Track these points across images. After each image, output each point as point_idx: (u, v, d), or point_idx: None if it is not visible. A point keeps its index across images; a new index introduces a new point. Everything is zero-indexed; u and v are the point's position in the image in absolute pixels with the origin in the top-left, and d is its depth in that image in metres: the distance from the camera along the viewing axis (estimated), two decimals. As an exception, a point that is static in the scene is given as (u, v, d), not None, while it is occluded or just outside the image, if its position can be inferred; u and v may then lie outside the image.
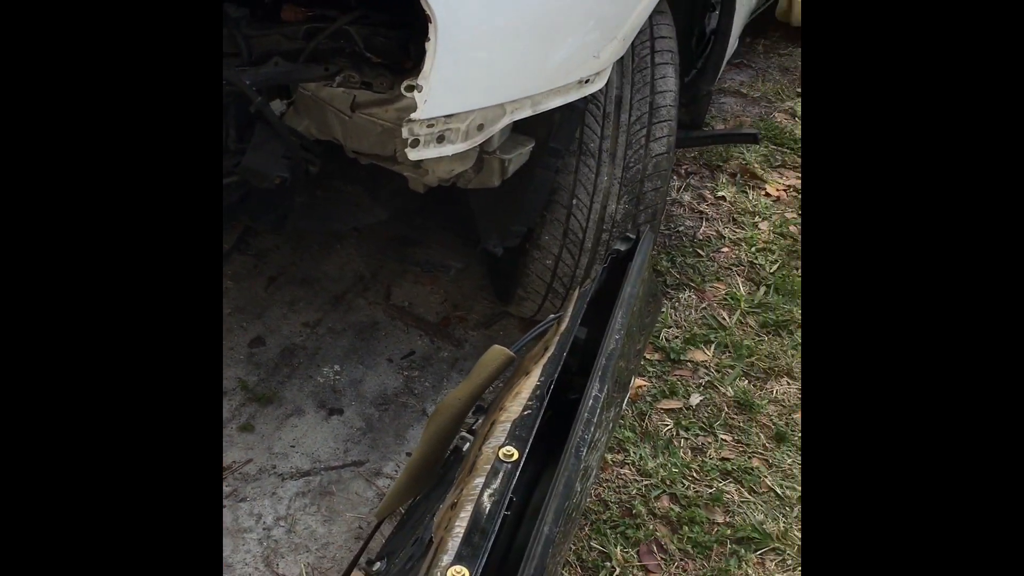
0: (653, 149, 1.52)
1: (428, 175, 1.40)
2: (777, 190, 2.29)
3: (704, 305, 1.88)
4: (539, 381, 0.93)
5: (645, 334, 1.33)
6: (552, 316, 1.13)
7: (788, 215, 2.19)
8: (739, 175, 2.32)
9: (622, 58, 1.51)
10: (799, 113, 2.66)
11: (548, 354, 0.98)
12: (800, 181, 2.33)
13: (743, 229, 2.13)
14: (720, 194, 2.24)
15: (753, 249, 2.05)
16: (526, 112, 1.27)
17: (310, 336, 1.72)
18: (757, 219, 2.16)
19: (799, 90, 2.79)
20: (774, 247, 2.06)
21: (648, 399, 1.63)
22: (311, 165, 1.46)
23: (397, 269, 1.91)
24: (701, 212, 2.18)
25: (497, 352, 1.06)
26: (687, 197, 2.22)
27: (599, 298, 1.10)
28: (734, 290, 1.91)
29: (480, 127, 1.23)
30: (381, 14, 1.31)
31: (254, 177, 1.31)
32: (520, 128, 1.43)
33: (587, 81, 1.32)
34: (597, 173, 1.50)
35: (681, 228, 2.12)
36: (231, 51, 1.27)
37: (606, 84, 1.48)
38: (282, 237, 1.91)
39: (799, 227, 2.15)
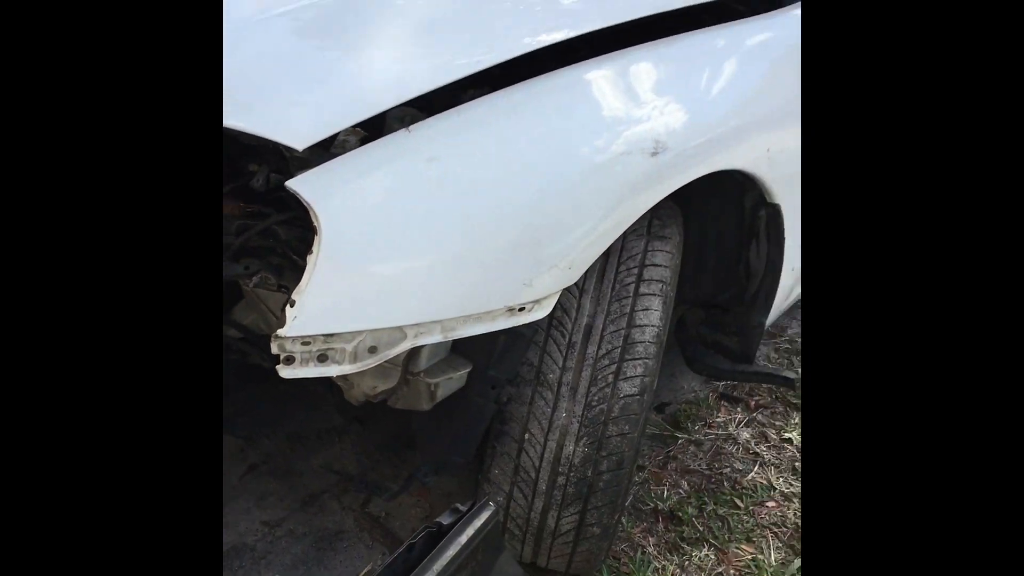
0: (622, 389, 1.33)
1: (353, 389, 1.29)
2: (859, 439, 1.99)
3: (720, 570, 1.60)
4: None
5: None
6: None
7: (864, 472, 1.88)
8: (817, 416, 2.03)
9: (599, 284, 1.37)
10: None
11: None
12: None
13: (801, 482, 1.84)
14: (787, 436, 1.97)
15: (804, 508, 1.76)
16: (436, 337, 1.14)
17: (265, 537, 1.61)
18: (822, 472, 1.87)
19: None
20: (831, 509, 1.76)
21: None
22: (262, 361, 1.40)
23: (389, 473, 1.78)
24: (757, 454, 1.91)
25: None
26: (746, 434, 1.96)
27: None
28: (762, 557, 1.63)
29: (372, 349, 1.11)
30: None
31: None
32: (459, 350, 1.30)
33: (521, 309, 1.18)
34: (554, 408, 1.33)
35: (726, 470, 1.86)
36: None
37: (576, 311, 1.34)
38: (282, 427, 1.84)
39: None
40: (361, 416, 1.85)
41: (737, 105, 1.39)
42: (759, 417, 2.03)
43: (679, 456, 1.89)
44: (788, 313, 2.43)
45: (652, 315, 1.36)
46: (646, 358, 1.34)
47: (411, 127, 1.13)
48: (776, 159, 1.47)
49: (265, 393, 1.80)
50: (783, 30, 1.58)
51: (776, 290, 1.71)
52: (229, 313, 1.39)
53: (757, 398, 2.09)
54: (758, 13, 1.58)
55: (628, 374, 1.33)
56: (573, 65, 1.28)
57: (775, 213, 1.58)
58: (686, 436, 1.94)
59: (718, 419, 2.01)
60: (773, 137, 1.47)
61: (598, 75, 1.28)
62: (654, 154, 1.23)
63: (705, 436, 1.95)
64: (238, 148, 1.24)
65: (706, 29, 1.47)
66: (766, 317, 1.76)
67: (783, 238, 1.62)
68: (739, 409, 2.04)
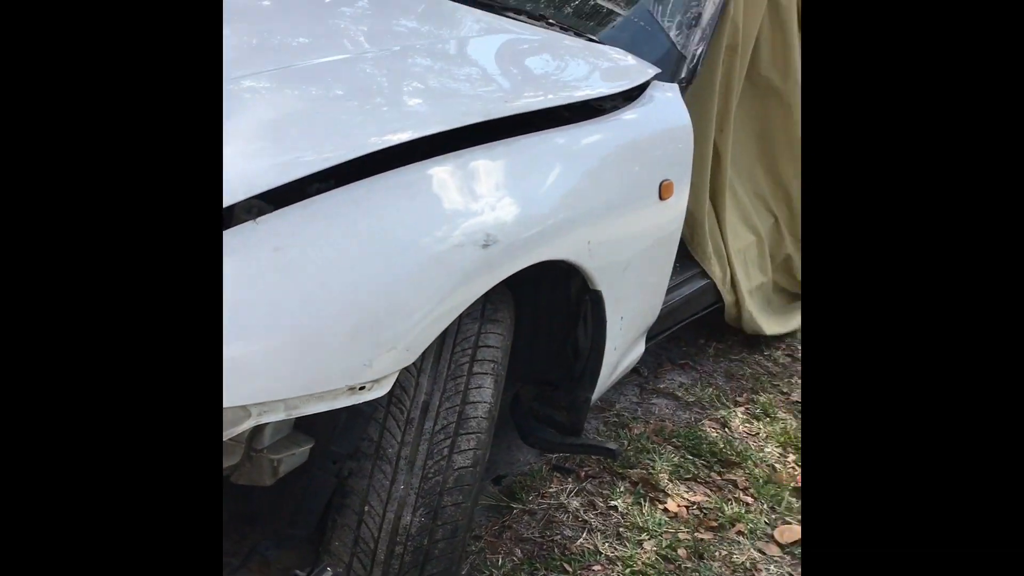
0: (456, 461, 1.43)
1: (197, 466, 1.33)
2: (679, 506, 2.15)
3: (548, 632, 1.70)
4: None
5: None
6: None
7: (682, 535, 2.03)
8: (640, 485, 2.19)
9: (436, 364, 1.47)
10: (729, 423, 2.55)
11: None
12: (707, 498, 2.19)
13: (625, 547, 1.97)
14: (613, 503, 2.11)
15: (628, 571, 1.89)
16: (279, 415, 1.22)
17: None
18: (644, 536, 2.01)
19: (738, 399, 2.70)
20: (651, 572, 1.90)
21: None
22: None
23: (229, 548, 1.79)
24: (585, 521, 2.04)
25: None
26: (576, 503, 2.09)
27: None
28: (588, 618, 1.74)
29: (217, 427, 1.17)
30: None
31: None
32: (302, 426, 1.37)
33: (362, 388, 1.27)
34: (393, 480, 1.42)
35: (557, 537, 1.98)
36: None
37: (414, 389, 1.44)
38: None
39: (689, 550, 1.99)
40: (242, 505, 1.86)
41: (561, 203, 1.55)
42: (588, 486, 2.16)
43: (513, 525, 1.99)
44: (615, 389, 2.60)
45: (484, 392, 1.47)
46: (479, 432, 1.45)
47: (258, 219, 1.22)
48: (595, 250, 1.64)
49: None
50: (607, 134, 1.76)
51: (600, 368, 1.86)
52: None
53: (587, 468, 2.23)
54: (583, 120, 1.75)
55: (462, 447, 1.44)
56: (414, 164, 1.39)
57: (597, 298, 1.74)
58: (520, 506, 2.05)
59: (551, 489, 2.13)
60: (593, 231, 1.63)
61: (437, 172, 1.40)
62: (485, 246, 1.36)
63: (538, 505, 2.07)
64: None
65: (538, 132, 1.62)
66: (592, 393, 1.91)
67: (605, 321, 1.78)
68: (570, 479, 2.17)
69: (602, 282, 1.71)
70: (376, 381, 1.28)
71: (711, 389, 2.72)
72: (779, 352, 3.04)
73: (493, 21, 1.97)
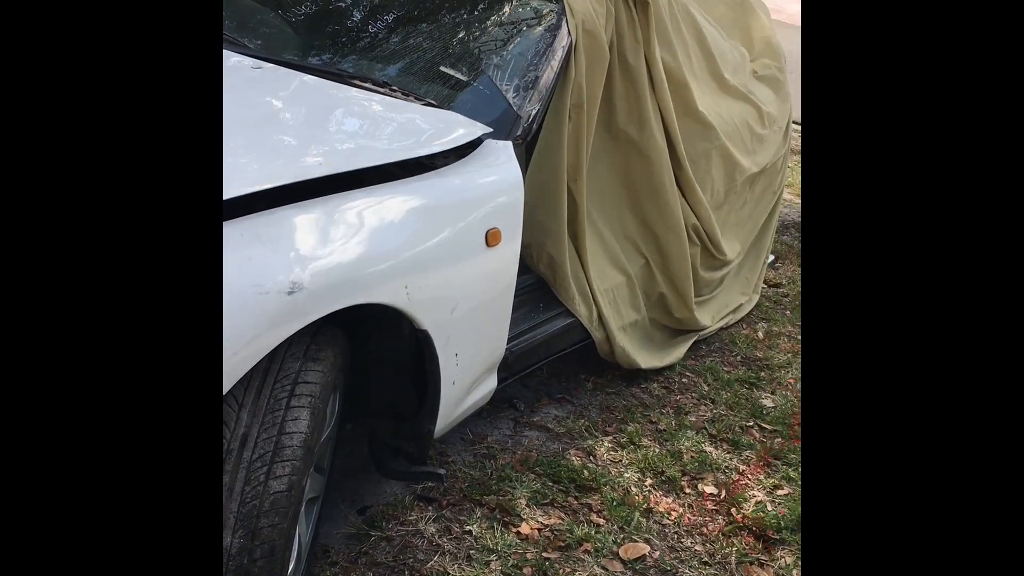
0: (272, 486, 1.59)
1: None
2: (531, 528, 2.31)
3: (387, 645, 1.85)
4: None
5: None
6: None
7: (530, 555, 2.20)
8: (497, 510, 2.35)
9: (256, 399, 1.64)
10: (595, 451, 2.73)
11: None
12: (560, 520, 2.36)
13: (473, 567, 2.13)
14: (468, 528, 2.27)
15: (472, 589, 2.05)
16: (91, 447, 1.38)
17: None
18: (493, 557, 2.17)
19: (607, 429, 2.88)
20: (494, 589, 2.06)
21: None
22: None
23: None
24: (439, 545, 2.20)
25: None
26: (433, 529, 2.25)
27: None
28: (426, 632, 1.89)
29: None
30: None
31: None
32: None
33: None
34: (214, 506, 1.57)
35: (410, 560, 2.13)
36: None
37: (235, 423, 1.60)
38: None
39: (534, 568, 2.15)
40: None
41: (375, 251, 1.73)
42: (447, 513, 2.33)
43: (370, 551, 2.15)
44: (489, 422, 2.77)
45: (301, 424, 1.64)
46: (294, 460, 1.62)
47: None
48: (415, 294, 1.82)
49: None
50: (431, 188, 1.96)
51: (439, 402, 2.04)
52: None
53: (449, 497, 2.39)
54: (411, 176, 1.95)
55: (277, 474, 1.60)
56: (227, 222, 1.57)
57: (425, 338, 1.92)
58: (379, 533, 2.20)
59: (411, 517, 2.29)
60: (412, 276, 1.81)
61: (251, 227, 1.57)
62: (291, 293, 1.54)
63: (396, 532, 2.22)
64: None
65: (362, 188, 1.81)
66: (434, 425, 2.08)
67: (436, 358, 1.96)
68: (431, 508, 2.33)
69: (428, 323, 1.89)
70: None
71: (583, 421, 2.90)
72: (655, 384, 3.23)
73: (334, 89, 2.17)
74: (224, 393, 1.48)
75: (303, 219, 1.67)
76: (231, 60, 2.28)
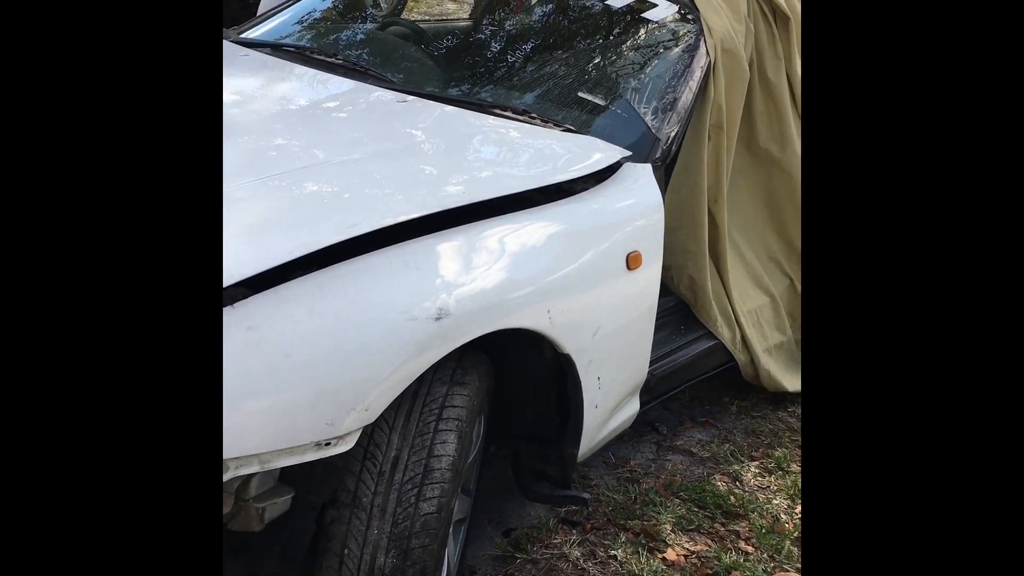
0: (422, 508, 1.63)
1: (197, 515, 1.58)
2: (678, 555, 2.28)
3: (534, 669, 1.86)
4: None
5: None
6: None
7: (676, 583, 2.17)
8: (642, 535, 2.33)
9: (406, 423, 1.68)
10: (741, 476, 2.66)
11: None
12: (707, 547, 2.32)
13: (619, 593, 2.12)
14: (613, 553, 2.26)
15: (618, 615, 2.04)
16: (254, 468, 1.45)
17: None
18: (639, 584, 2.15)
19: (754, 454, 2.81)
20: (640, 615, 2.04)
21: None
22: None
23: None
24: (584, 570, 2.19)
25: None
26: (577, 553, 2.25)
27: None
28: (572, 656, 1.89)
29: (201, 479, 1.41)
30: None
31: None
32: (284, 478, 1.60)
33: (327, 444, 1.49)
34: (368, 526, 1.63)
35: (555, 585, 2.14)
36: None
37: (386, 445, 1.66)
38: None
39: (681, 596, 2.12)
40: (231, 546, 2.10)
41: (518, 277, 1.76)
42: (591, 537, 2.32)
43: (516, 574, 2.16)
44: (631, 446, 2.75)
45: (449, 447, 1.67)
46: (442, 482, 1.65)
47: (235, 304, 1.47)
48: (557, 319, 1.83)
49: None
50: (572, 213, 1.98)
51: (582, 426, 2.04)
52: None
53: (593, 521, 2.38)
54: (551, 201, 1.98)
55: (427, 496, 1.64)
56: (378, 250, 1.63)
57: (568, 361, 1.93)
58: (524, 556, 2.22)
59: (555, 540, 2.29)
60: (555, 301, 1.83)
61: (398, 256, 1.64)
62: (438, 319, 1.58)
63: (541, 555, 2.23)
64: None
65: (504, 215, 1.85)
66: (577, 449, 2.08)
67: (579, 381, 1.97)
68: (575, 532, 2.33)
69: (570, 347, 1.90)
70: (340, 438, 1.50)
71: (728, 445, 2.84)
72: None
73: (475, 119, 2.22)
74: (376, 417, 1.53)
75: (448, 246, 1.72)
76: (375, 94, 2.37)
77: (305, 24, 3.08)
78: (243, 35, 2.86)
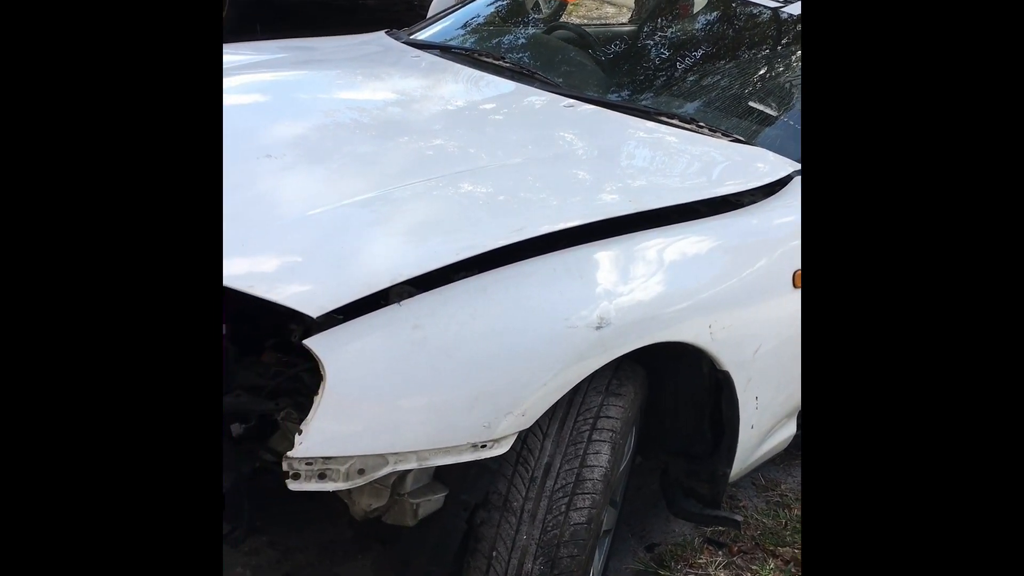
0: (573, 517, 1.62)
1: (355, 505, 1.61)
2: (829, 587, 2.18)
3: None
4: None
5: None
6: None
7: (827, 616, 2.07)
8: (792, 563, 2.24)
9: (560, 430, 1.67)
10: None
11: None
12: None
13: (765, 621, 2.04)
14: (760, 579, 2.18)
15: (764, 644, 1.96)
16: (412, 464, 1.46)
17: (286, 633, 1.90)
18: (787, 614, 2.07)
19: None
20: (787, 647, 1.96)
21: None
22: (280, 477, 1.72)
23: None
24: (729, 594, 2.13)
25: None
26: (722, 575, 2.19)
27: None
28: None
29: (361, 471, 1.44)
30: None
31: (203, 482, 1.59)
32: (439, 476, 1.61)
33: (483, 446, 1.50)
34: (517, 531, 1.62)
35: (698, 607, 2.08)
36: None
37: (539, 451, 1.65)
38: (310, 538, 2.15)
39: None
40: (384, 537, 2.14)
41: (680, 290, 1.72)
42: (738, 560, 2.25)
43: (658, 591, 2.12)
44: (783, 469, 2.66)
45: (602, 458, 1.65)
46: (594, 493, 1.63)
47: (403, 302, 1.50)
48: (718, 334, 1.78)
49: (304, 510, 2.10)
50: (736, 227, 1.92)
51: (736, 445, 1.98)
52: (267, 441, 1.73)
53: (740, 543, 2.31)
54: (716, 214, 1.92)
55: (578, 505, 1.62)
56: (541, 256, 1.63)
57: (726, 378, 1.87)
58: (667, 573, 2.17)
59: (700, 560, 2.24)
60: (716, 316, 1.78)
61: (561, 262, 1.63)
62: (598, 328, 1.56)
63: (685, 575, 2.18)
64: (282, 313, 1.60)
65: (668, 227, 1.82)
66: (730, 468, 2.02)
67: (736, 399, 1.91)
68: (721, 553, 2.27)
69: (729, 364, 1.84)
70: (496, 441, 1.50)
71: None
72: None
73: (641, 126, 2.19)
74: (532, 423, 1.53)
75: (608, 255, 1.70)
76: (541, 98, 2.37)
77: (470, 27, 3.13)
78: (413, 36, 2.92)
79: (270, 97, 2.39)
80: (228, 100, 2.35)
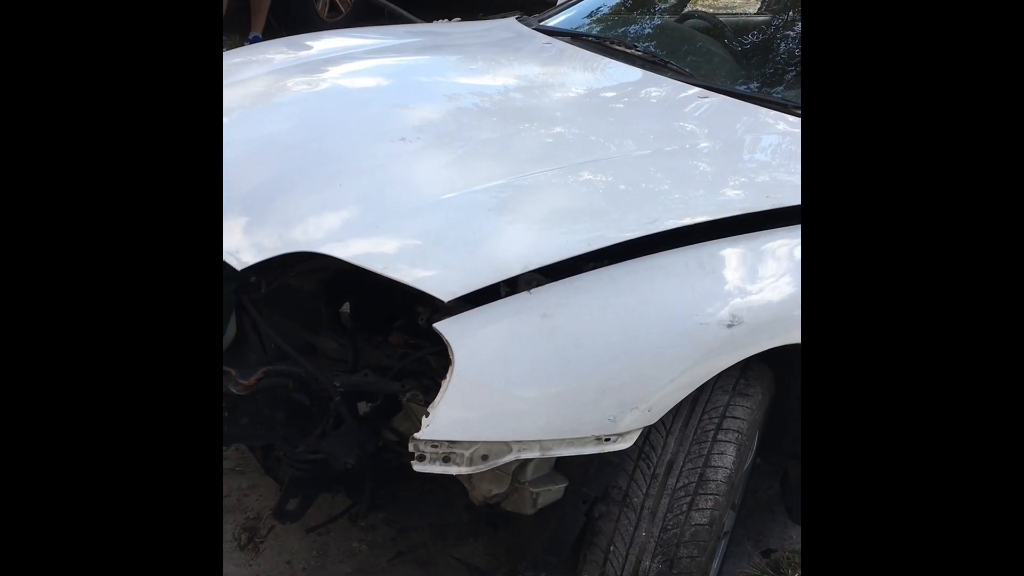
0: (694, 517, 1.59)
1: (475, 490, 1.62)
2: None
3: None
4: None
5: None
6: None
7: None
8: None
9: (684, 427, 1.64)
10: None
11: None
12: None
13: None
14: (882, 593, 2.10)
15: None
16: (535, 453, 1.46)
17: (399, 610, 1.93)
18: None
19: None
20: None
21: None
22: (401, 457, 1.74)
23: (504, 570, 2.06)
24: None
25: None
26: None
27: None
28: None
29: (484, 457, 1.44)
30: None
31: (329, 457, 1.63)
32: (560, 467, 1.60)
33: (607, 439, 1.48)
34: (636, 527, 1.60)
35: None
36: (340, 357, 1.65)
37: (662, 448, 1.62)
38: (425, 519, 2.17)
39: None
40: (496, 522, 2.15)
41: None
42: None
43: (773, 598, 2.07)
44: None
45: (726, 459, 1.61)
46: (716, 494, 1.60)
47: (532, 290, 1.49)
48: (854, 337, 1.71)
49: (421, 491, 2.11)
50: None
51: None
52: (391, 421, 1.75)
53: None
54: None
55: (700, 506, 1.59)
56: (673, 249, 1.60)
57: (858, 384, 1.80)
58: (783, 581, 2.12)
59: (818, 569, 2.16)
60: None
61: (693, 257, 1.59)
62: (730, 326, 1.52)
63: (802, 583, 2.12)
64: (411, 295, 1.62)
65: (792, 227, 1.75)
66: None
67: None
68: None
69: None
70: (620, 435, 1.48)
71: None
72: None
73: (773, 119, 2.12)
74: (657, 419, 1.50)
75: (736, 252, 1.65)
76: (673, 88, 2.33)
77: (601, 14, 3.09)
78: (543, 23, 2.90)
79: (402, 81, 2.41)
80: (360, 83, 2.40)
